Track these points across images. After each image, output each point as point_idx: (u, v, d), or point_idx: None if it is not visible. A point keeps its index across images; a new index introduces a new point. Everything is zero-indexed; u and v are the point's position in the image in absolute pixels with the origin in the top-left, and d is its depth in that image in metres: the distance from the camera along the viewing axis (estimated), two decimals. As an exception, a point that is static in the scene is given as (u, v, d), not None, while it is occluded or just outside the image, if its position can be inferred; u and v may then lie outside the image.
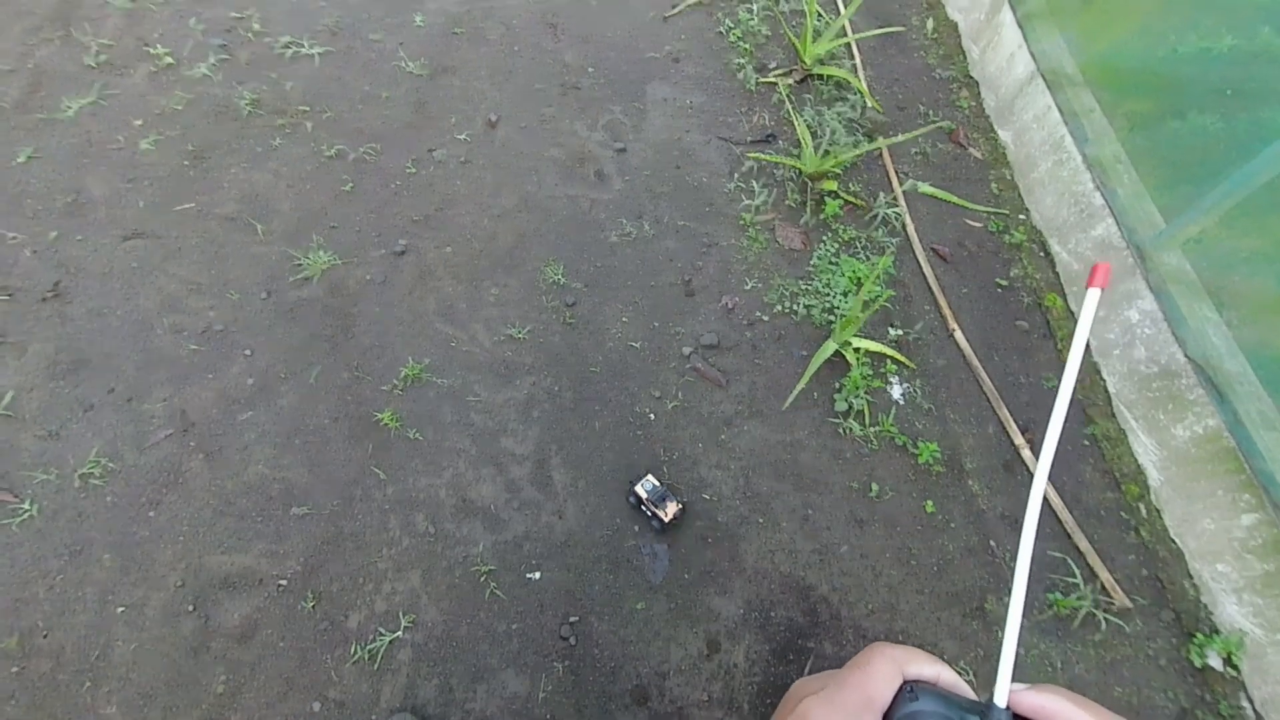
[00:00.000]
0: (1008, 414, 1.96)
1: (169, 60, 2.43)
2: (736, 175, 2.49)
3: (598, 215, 2.37)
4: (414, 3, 2.86)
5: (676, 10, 3.10)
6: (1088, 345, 2.17)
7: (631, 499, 1.78)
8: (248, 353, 1.92)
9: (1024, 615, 1.48)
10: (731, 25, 3.03)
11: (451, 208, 2.34)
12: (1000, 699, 0.36)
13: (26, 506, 1.59)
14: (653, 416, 1.95)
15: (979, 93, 2.81)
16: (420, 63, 2.67)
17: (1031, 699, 0.36)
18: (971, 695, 0.40)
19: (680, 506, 1.74)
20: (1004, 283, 2.31)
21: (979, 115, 2.75)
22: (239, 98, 2.40)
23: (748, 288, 2.22)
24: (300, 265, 2.09)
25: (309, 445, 1.80)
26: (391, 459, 1.81)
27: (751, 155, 2.54)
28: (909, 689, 0.38)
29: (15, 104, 2.22)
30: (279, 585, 1.60)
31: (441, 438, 1.85)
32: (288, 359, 1.94)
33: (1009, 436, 1.99)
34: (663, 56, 2.92)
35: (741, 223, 2.36)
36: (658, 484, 1.75)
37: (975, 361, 2.04)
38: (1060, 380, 0.37)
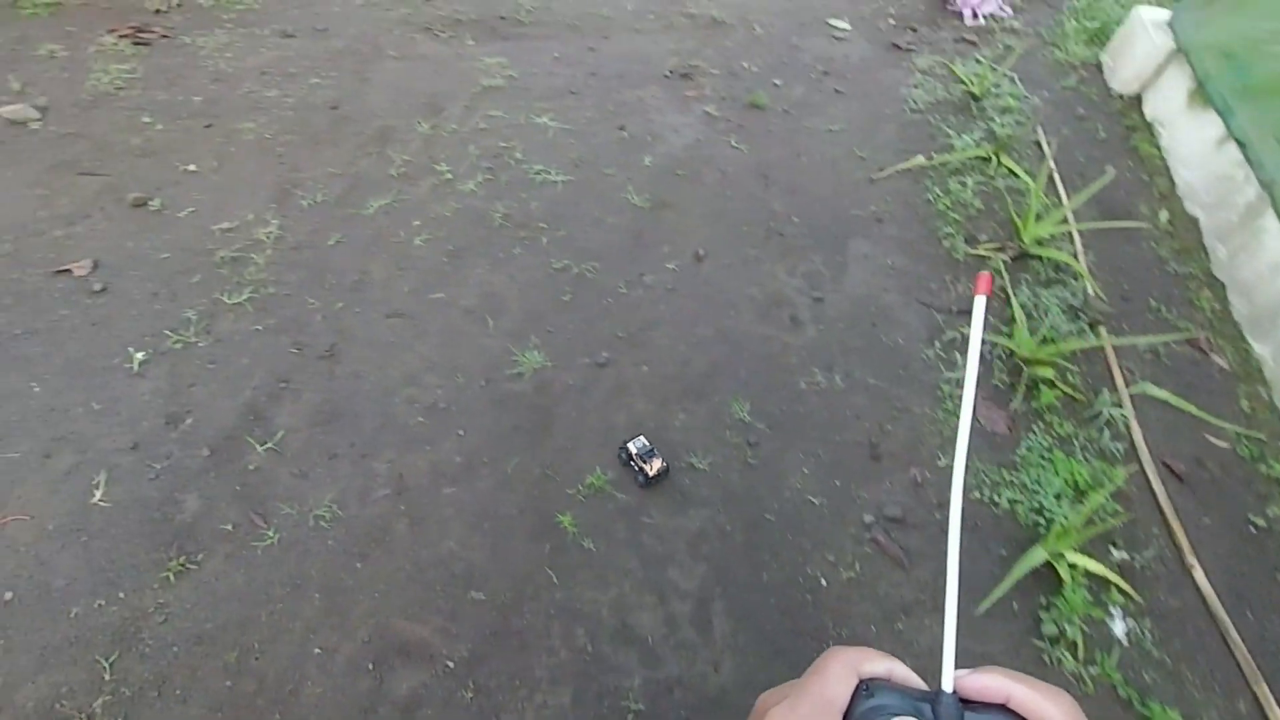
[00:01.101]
0: (1268, 691, 1.63)
1: (448, 176, 2.97)
2: (937, 344, 2.46)
3: (789, 359, 2.43)
4: (646, 146, 3.27)
5: (884, 174, 3.25)
6: None
7: (621, 454, 2.09)
8: (461, 432, 2.15)
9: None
10: (941, 194, 3.10)
11: (653, 330, 2.53)
12: (947, 685, 0.39)
13: (270, 534, 1.86)
14: (824, 582, 1.87)
15: (1225, 296, 2.58)
16: (644, 197, 3.00)
17: (975, 681, 0.39)
18: (923, 686, 0.42)
19: (665, 465, 2.05)
20: (1260, 522, 2.00)
21: (1224, 320, 2.51)
22: (494, 211, 2.84)
23: (940, 464, 2.12)
24: (516, 361, 2.35)
25: (495, 531, 1.94)
26: (565, 563, 1.89)
27: (956, 327, 2.50)
28: (864, 687, 0.40)
29: (336, 200, 2.81)
30: (446, 666, 1.69)
31: (613, 553, 1.91)
32: (492, 445, 2.14)
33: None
34: (867, 215, 3.04)
35: (939, 394, 2.30)
36: (647, 443, 2.08)
37: (1221, 613, 1.75)
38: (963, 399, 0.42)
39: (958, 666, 0.40)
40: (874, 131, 3.54)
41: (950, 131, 3.55)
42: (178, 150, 2.91)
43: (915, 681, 0.42)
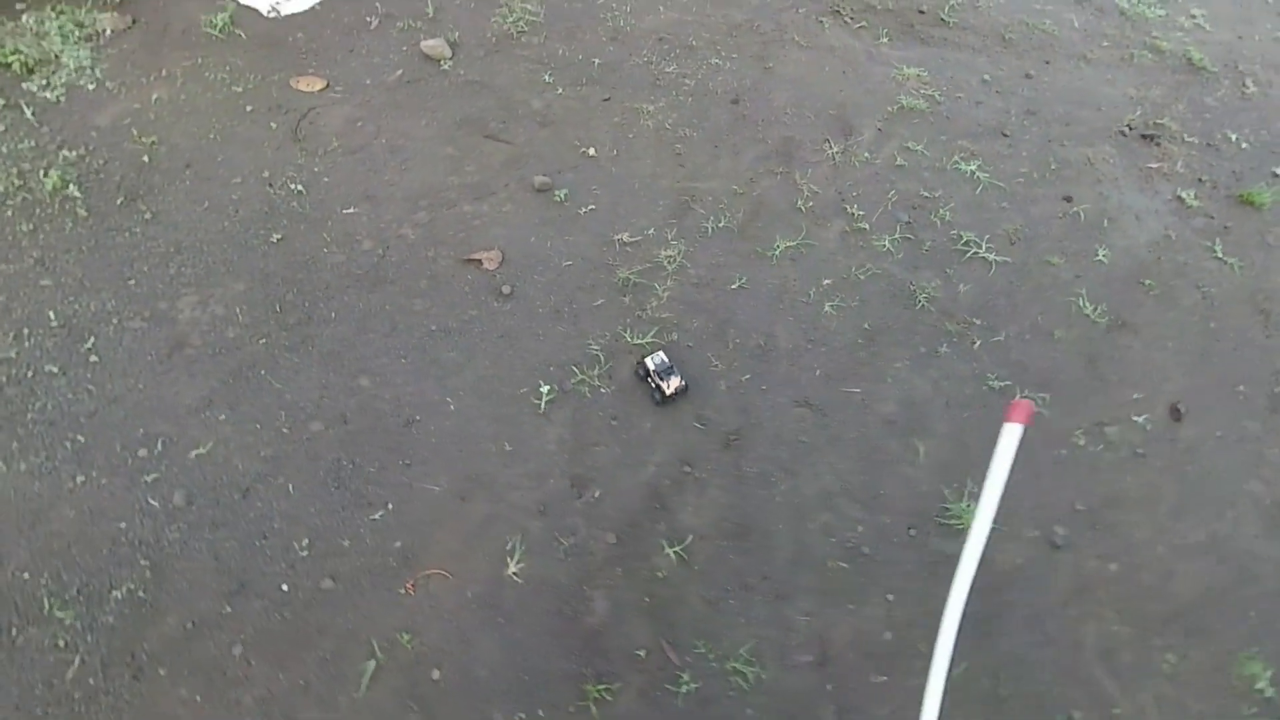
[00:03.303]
0: None
1: (862, 225, 2.47)
2: None
3: (1332, 625, 1.78)
4: (1099, 232, 2.56)
5: None
6: None
7: (639, 370, 1.98)
8: (890, 597, 1.76)
9: None
10: None
11: (1118, 510, 1.95)
12: None
13: (685, 678, 1.59)
14: None
15: None
16: (1098, 308, 2.34)
17: None
18: None
19: (683, 383, 1.93)
20: None
21: None
22: (916, 286, 2.33)
23: None
24: (949, 511, 1.90)
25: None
26: None
27: None
28: None
29: (739, 229, 2.42)
30: None
31: None
32: (928, 625, 1.73)
33: None
34: None
35: None
36: (666, 359, 1.94)
37: None
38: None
39: None
40: None
41: None
42: (576, 126, 2.64)
43: None
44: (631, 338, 2.10)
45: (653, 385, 1.95)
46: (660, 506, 1.83)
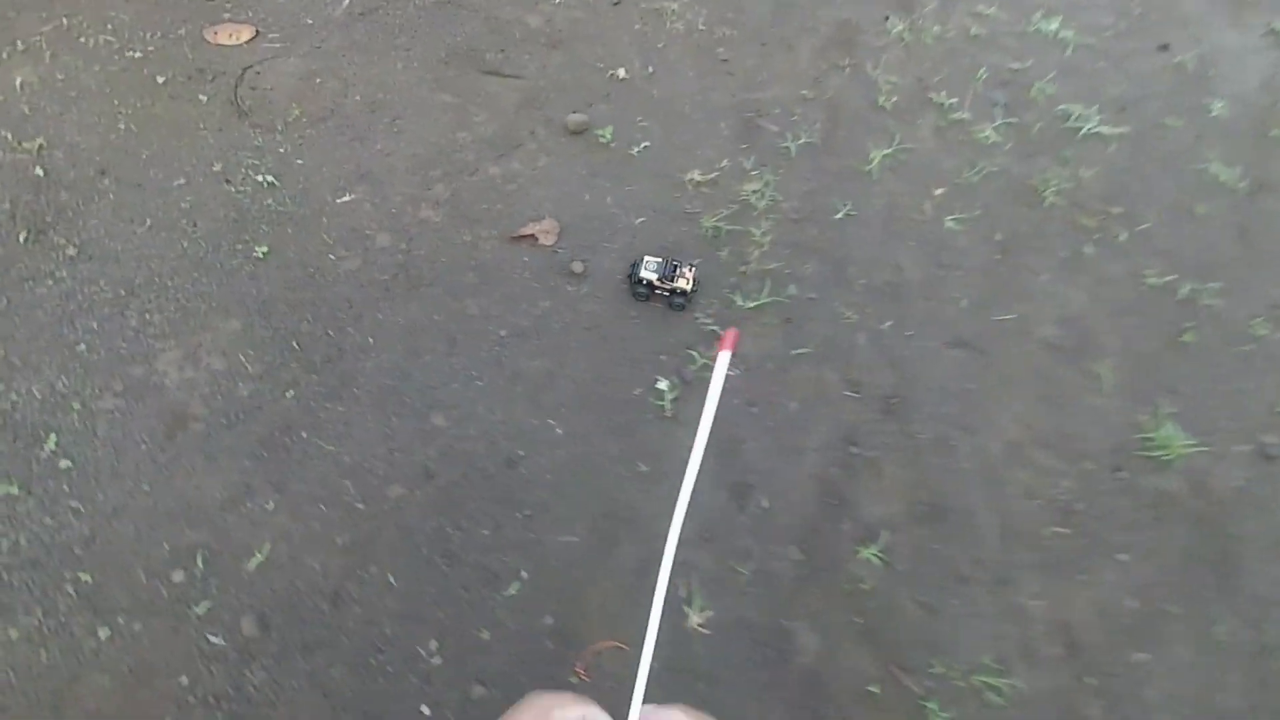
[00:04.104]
0: None
1: (955, 115, 2.07)
2: None
3: None
4: (1205, 82, 2.24)
5: None
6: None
7: (638, 289, 1.63)
8: (1123, 556, 1.52)
9: None
10: None
11: (1319, 403, 1.74)
12: None
13: (933, 707, 1.33)
14: None
15: None
16: (1233, 171, 2.05)
17: (658, 716, 0.43)
18: None
19: (694, 270, 1.63)
20: None
21: None
22: (1037, 180, 1.97)
23: None
24: (1150, 440, 1.65)
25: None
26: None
27: None
28: None
29: (822, 142, 2.00)
30: None
31: None
32: (1169, 581, 1.50)
33: None
34: None
35: None
36: (658, 259, 1.61)
37: None
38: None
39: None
40: None
41: None
42: (591, 42, 2.10)
43: None
44: (744, 301, 1.72)
45: (664, 295, 1.64)
46: (837, 502, 1.51)
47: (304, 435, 1.46)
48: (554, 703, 0.44)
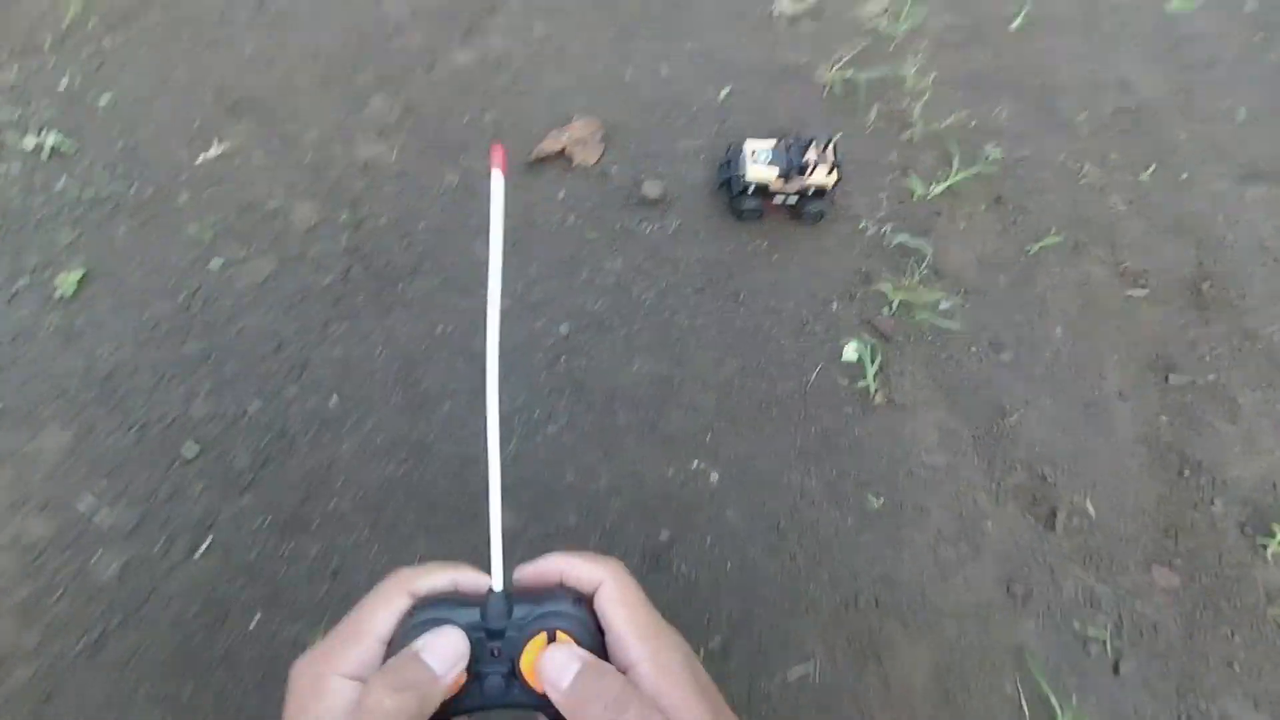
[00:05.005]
0: None
1: None
2: None
3: None
4: None
5: None
6: None
7: (747, 202, 0.99)
8: None
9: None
10: None
11: None
12: (496, 584, 0.35)
13: None
14: None
15: None
16: None
17: (529, 569, 0.37)
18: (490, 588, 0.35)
19: (833, 147, 0.97)
20: None
21: None
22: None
23: None
24: None
25: None
26: None
27: None
28: (416, 606, 0.34)
29: None
30: None
31: None
32: None
33: None
34: None
35: None
36: (767, 144, 0.97)
37: None
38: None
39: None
40: None
41: None
42: None
43: (485, 584, 0.36)
44: (924, 185, 1.05)
45: (790, 200, 0.99)
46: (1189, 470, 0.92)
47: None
48: (414, 575, 0.36)
